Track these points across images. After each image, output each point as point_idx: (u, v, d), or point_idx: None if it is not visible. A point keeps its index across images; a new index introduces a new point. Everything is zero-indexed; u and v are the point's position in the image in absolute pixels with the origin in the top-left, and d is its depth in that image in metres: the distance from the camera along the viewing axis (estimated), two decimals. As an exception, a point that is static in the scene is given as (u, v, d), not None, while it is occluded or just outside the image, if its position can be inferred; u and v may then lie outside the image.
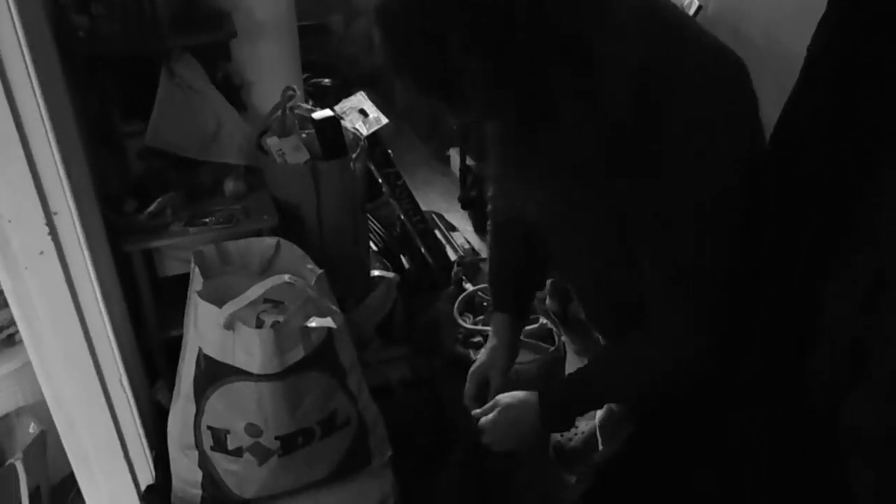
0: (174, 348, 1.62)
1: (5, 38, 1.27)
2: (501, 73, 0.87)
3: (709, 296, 1.04)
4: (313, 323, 1.39)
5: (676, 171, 0.98)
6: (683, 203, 1.00)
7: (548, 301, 2.59)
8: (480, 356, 1.46)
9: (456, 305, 2.04)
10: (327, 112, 1.87)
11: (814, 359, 0.95)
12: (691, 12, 2.07)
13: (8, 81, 1.29)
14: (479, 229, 3.08)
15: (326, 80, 3.86)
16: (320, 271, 1.53)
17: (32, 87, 1.34)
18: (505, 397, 1.35)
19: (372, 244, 2.34)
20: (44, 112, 1.36)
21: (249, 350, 1.35)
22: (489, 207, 1.43)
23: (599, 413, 1.92)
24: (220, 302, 1.37)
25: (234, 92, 2.04)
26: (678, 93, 0.96)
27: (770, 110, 1.05)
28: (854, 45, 0.87)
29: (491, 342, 1.45)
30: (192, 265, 1.53)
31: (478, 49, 0.85)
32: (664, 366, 1.15)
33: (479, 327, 1.98)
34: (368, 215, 2.32)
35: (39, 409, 1.84)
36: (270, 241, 1.67)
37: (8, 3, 1.24)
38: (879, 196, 0.86)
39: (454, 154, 3.72)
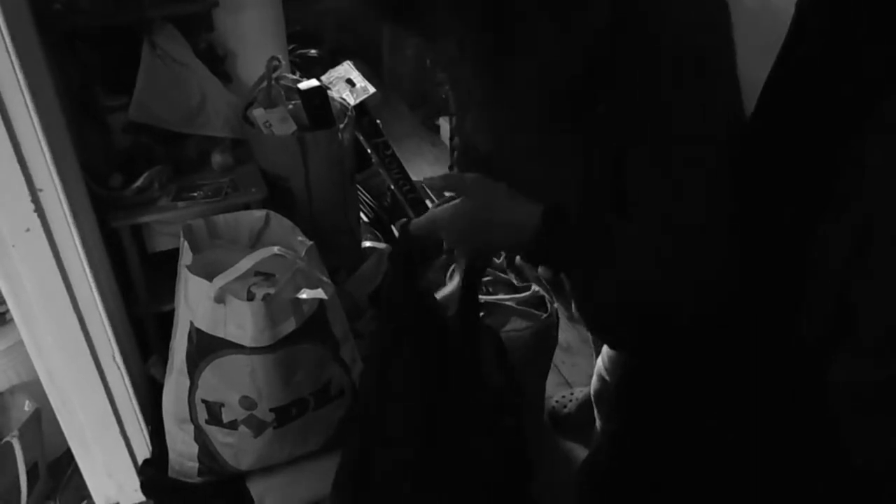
0: (167, 323, 1.62)
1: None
2: None
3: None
4: (304, 294, 1.38)
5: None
6: (683, 123, 0.89)
7: (540, 268, 2.59)
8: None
9: (448, 275, 2.04)
10: (314, 82, 1.85)
11: (802, 317, 0.95)
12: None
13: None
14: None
15: (313, 51, 3.82)
16: (310, 243, 1.52)
17: (12, 63, 1.32)
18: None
19: (362, 215, 2.33)
20: (24, 89, 1.34)
21: (241, 323, 1.35)
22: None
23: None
24: (209, 276, 1.36)
25: (218, 63, 2.01)
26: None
27: (761, 73, 1.04)
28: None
29: None
30: (181, 239, 1.52)
31: None
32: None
33: (472, 295, 1.97)
34: (358, 186, 2.31)
35: (34, 387, 1.85)
36: (259, 213, 1.66)
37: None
38: (875, 131, 0.84)
39: (444, 123, 3.70)
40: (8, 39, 1.30)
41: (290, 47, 3.26)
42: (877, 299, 0.85)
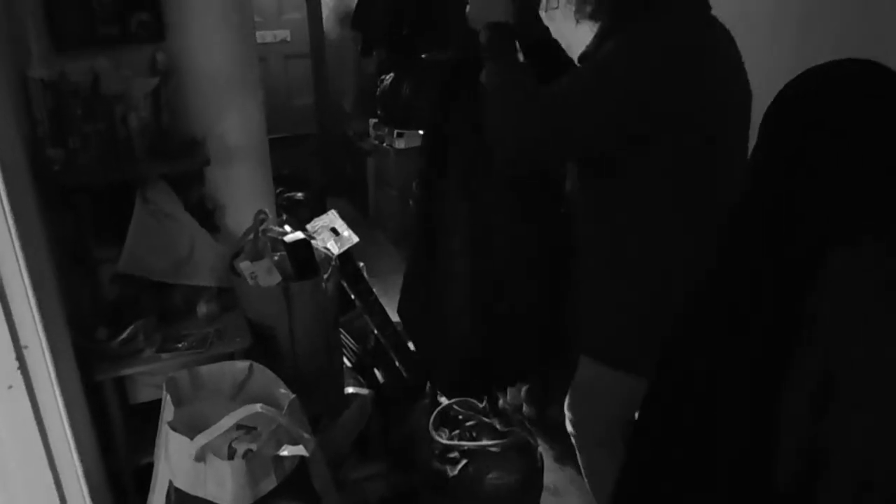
0: (146, 476, 1.59)
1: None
2: None
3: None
4: (285, 451, 1.38)
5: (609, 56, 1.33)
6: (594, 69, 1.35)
7: (525, 408, 2.58)
8: None
9: (431, 420, 2.03)
10: (298, 234, 1.92)
11: (775, 464, 0.96)
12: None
13: (-16, 223, 1.32)
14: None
15: (299, 194, 3.96)
16: (293, 396, 1.53)
17: (7, 224, 1.36)
18: None
19: (346, 360, 2.34)
20: (17, 247, 1.38)
21: (221, 482, 1.33)
22: None
23: None
24: (191, 431, 1.36)
25: (208, 215, 2.09)
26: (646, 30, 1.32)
27: None
28: (783, 163, 0.93)
29: None
30: (164, 393, 1.53)
31: None
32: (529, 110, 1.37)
33: (456, 442, 1.96)
34: (341, 330, 2.33)
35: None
36: (243, 364, 1.67)
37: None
38: (824, 285, 0.89)
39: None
40: (6, 202, 1.35)
41: (278, 190, 3.37)
42: (845, 448, 0.87)
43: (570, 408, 1.67)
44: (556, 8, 1.46)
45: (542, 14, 1.51)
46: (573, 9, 1.42)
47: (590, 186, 1.52)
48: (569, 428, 1.70)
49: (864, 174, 0.87)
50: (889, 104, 0.87)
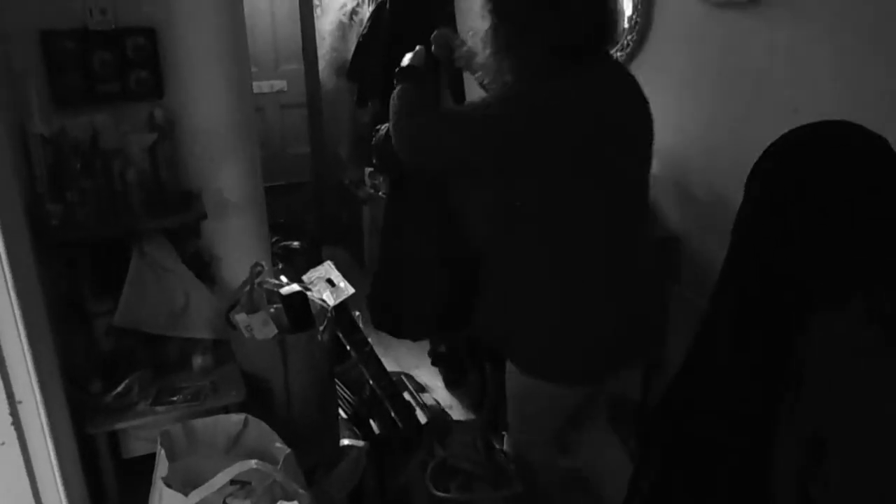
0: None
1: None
2: None
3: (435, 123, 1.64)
4: (280, 507, 1.37)
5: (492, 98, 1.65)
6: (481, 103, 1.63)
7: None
8: None
9: (428, 472, 2.02)
10: (295, 287, 1.93)
11: None
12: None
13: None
14: (450, 384, 3.08)
15: (295, 243, 3.98)
16: (288, 451, 1.52)
17: (5, 279, 1.37)
18: None
19: (341, 411, 2.33)
20: (14, 301, 1.38)
21: (215, 539, 1.32)
22: None
23: None
24: (186, 486, 1.35)
25: (204, 267, 2.10)
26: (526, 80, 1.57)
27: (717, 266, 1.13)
28: (763, 226, 0.95)
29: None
30: (158, 447, 1.52)
31: None
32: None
33: (452, 495, 1.95)
34: (337, 381, 2.33)
35: None
36: (238, 418, 1.67)
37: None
38: (807, 348, 0.91)
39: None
40: (4, 258, 1.37)
41: (273, 239, 3.39)
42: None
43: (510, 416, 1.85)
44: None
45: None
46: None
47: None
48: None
49: (846, 237, 0.90)
50: (868, 165, 0.89)
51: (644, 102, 1.64)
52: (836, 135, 0.93)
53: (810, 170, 0.91)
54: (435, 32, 1.89)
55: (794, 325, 0.91)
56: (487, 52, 1.61)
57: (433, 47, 1.86)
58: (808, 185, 0.90)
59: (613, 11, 1.63)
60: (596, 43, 1.59)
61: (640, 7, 2.40)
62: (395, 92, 1.74)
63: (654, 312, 1.74)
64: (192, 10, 2.07)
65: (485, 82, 1.86)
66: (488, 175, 1.66)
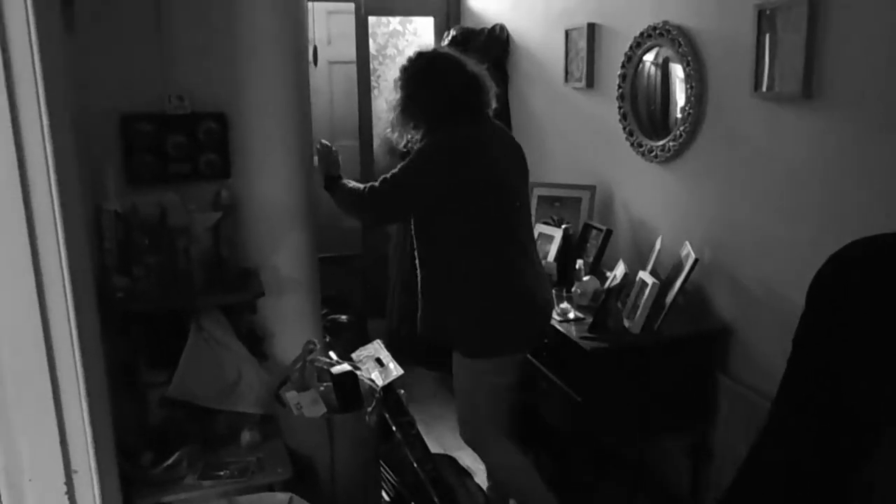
0: None
1: (55, 309, 1.38)
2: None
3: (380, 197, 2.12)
4: (323, 593, 1.35)
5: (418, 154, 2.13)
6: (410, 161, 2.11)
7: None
8: None
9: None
10: (345, 367, 1.95)
11: None
12: (687, 265, 2.22)
13: (52, 350, 1.38)
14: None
15: (343, 317, 4.02)
16: (332, 534, 1.52)
17: (73, 348, 1.42)
18: None
19: (384, 493, 2.31)
20: (80, 373, 1.43)
21: None
22: None
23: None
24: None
25: (257, 343, 2.14)
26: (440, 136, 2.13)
27: (779, 360, 1.08)
28: (830, 337, 0.94)
29: None
30: (204, 525, 1.53)
31: None
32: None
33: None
34: (381, 461, 2.32)
35: None
36: (283, 496, 1.67)
37: (63, 276, 1.37)
38: (879, 462, 0.89)
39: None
40: (74, 328, 1.42)
41: (323, 312, 3.44)
42: None
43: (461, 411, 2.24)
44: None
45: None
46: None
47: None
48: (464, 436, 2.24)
49: None
50: None
51: (519, 146, 2.29)
52: None
53: (879, 283, 0.90)
54: (317, 146, 2.30)
55: (864, 437, 0.90)
56: (398, 110, 2.20)
57: (318, 159, 2.27)
58: (873, 294, 0.90)
59: (472, 87, 2.16)
60: (467, 108, 2.14)
61: (692, 99, 2.44)
62: (335, 200, 2.20)
63: (549, 298, 2.28)
64: (261, 95, 2.18)
65: (399, 146, 2.36)
66: (432, 204, 2.09)
